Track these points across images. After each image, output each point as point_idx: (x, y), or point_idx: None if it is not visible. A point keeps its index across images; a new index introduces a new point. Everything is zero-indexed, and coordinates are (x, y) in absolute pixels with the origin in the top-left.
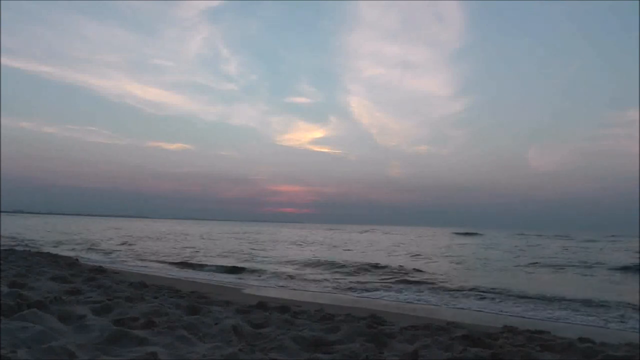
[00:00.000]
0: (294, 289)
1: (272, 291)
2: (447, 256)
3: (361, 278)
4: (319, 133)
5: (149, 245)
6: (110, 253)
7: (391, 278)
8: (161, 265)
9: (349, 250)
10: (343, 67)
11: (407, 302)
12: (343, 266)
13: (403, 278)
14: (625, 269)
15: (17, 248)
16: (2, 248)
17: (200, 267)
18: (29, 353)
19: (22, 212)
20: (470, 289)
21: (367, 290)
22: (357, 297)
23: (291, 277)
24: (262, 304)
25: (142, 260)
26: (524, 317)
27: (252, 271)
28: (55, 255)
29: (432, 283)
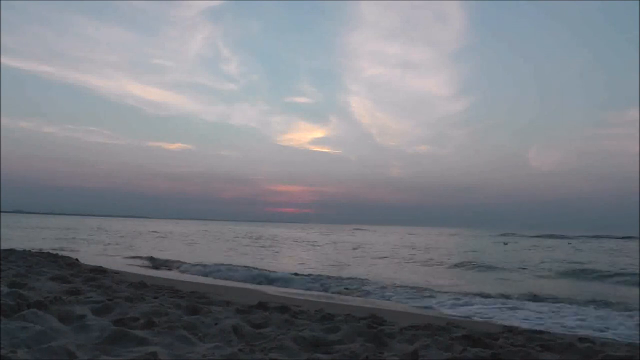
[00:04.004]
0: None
1: (272, 291)
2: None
3: None
4: (319, 133)
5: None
6: None
7: None
8: None
9: None
10: (343, 67)
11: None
12: None
13: None
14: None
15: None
16: (2, 248)
17: None
18: (29, 353)
19: (22, 212)
20: None
21: None
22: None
23: None
24: (262, 304)
25: None
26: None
27: None
28: (55, 255)
29: None
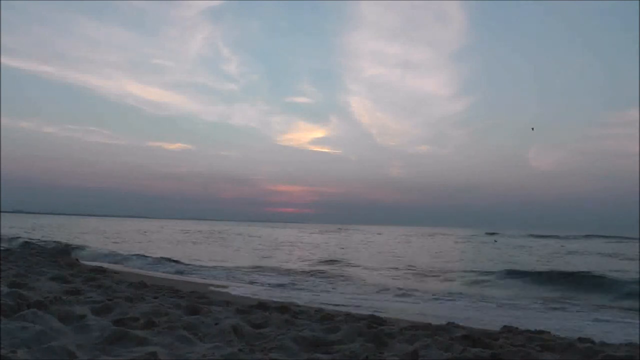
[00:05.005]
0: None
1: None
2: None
3: None
4: (319, 133)
5: None
6: None
7: None
8: None
9: None
10: (343, 67)
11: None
12: None
13: None
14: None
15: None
16: (2, 248)
17: None
18: (29, 353)
19: (22, 212)
20: None
21: None
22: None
23: None
24: (262, 304)
25: None
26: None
27: None
28: (56, 255)
29: None
